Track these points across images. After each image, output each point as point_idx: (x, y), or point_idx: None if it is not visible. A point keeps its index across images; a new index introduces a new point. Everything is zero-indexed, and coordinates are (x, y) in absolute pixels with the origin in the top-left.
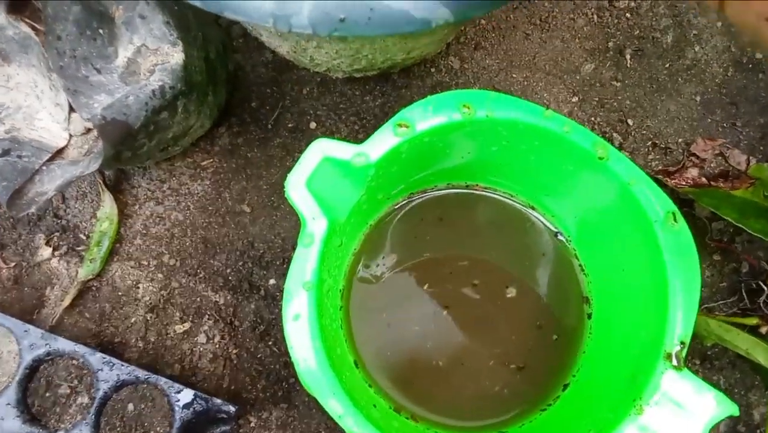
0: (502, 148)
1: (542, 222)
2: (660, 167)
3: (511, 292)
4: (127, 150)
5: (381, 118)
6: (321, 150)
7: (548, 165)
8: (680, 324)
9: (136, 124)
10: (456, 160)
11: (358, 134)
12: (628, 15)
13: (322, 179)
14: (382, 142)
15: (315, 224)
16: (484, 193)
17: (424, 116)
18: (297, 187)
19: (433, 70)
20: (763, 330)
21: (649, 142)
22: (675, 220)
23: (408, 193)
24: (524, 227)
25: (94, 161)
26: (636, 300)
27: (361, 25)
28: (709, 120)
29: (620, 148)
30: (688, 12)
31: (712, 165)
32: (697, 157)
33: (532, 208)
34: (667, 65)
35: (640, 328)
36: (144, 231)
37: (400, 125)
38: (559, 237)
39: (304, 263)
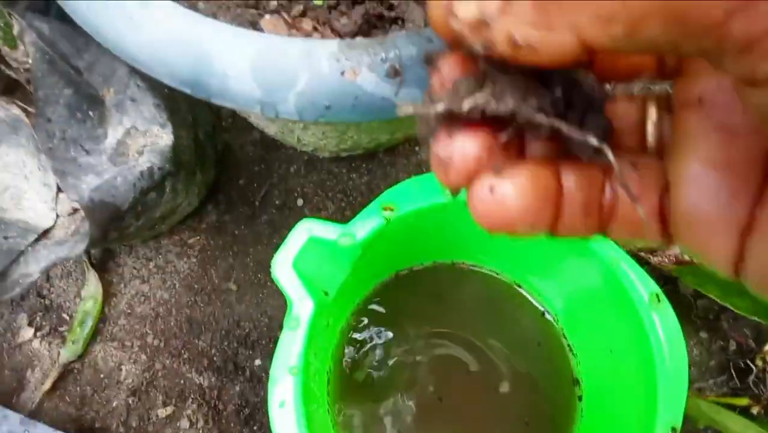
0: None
1: (529, 300)
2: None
3: (504, 387)
4: (115, 231)
5: (367, 195)
6: (307, 230)
7: (534, 245)
8: (670, 408)
9: (124, 205)
10: (441, 238)
11: (345, 211)
12: None
13: (309, 259)
14: (368, 222)
15: (301, 306)
16: (471, 268)
17: (409, 197)
18: (283, 268)
19: (417, 148)
20: (755, 411)
21: None
22: (659, 301)
23: (395, 270)
24: (512, 305)
25: (80, 243)
26: (625, 382)
27: (345, 112)
28: None
29: None
30: None
31: None
32: None
33: (519, 286)
34: None
35: (631, 411)
36: (128, 310)
37: (384, 207)
38: (547, 316)
39: (290, 347)
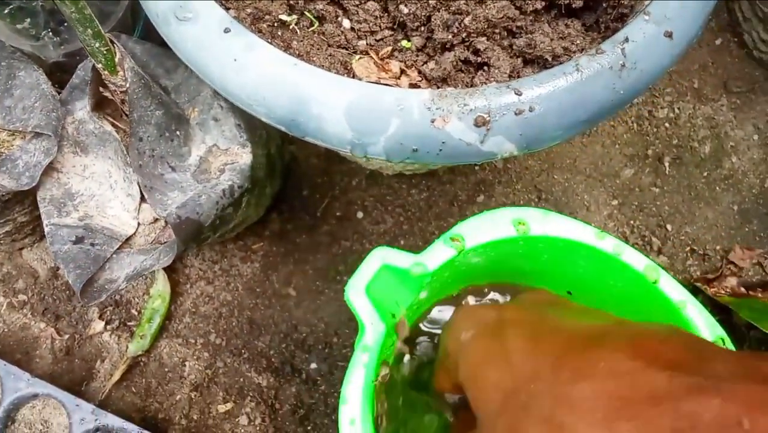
0: (553, 259)
1: None
2: (698, 273)
3: None
4: (194, 242)
5: (425, 210)
6: (381, 258)
7: (600, 282)
8: None
9: (206, 222)
10: (505, 266)
11: (403, 225)
12: (666, 125)
13: (381, 285)
14: (439, 253)
15: (373, 330)
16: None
17: (479, 231)
18: (357, 293)
19: (477, 168)
20: None
21: (688, 248)
22: (724, 344)
23: (455, 290)
24: None
25: (165, 255)
26: None
27: (431, 156)
28: (747, 229)
29: (659, 252)
30: (725, 124)
31: (749, 273)
32: (735, 265)
33: None
34: (705, 174)
35: None
36: (193, 310)
37: (454, 239)
38: None
39: (361, 369)
